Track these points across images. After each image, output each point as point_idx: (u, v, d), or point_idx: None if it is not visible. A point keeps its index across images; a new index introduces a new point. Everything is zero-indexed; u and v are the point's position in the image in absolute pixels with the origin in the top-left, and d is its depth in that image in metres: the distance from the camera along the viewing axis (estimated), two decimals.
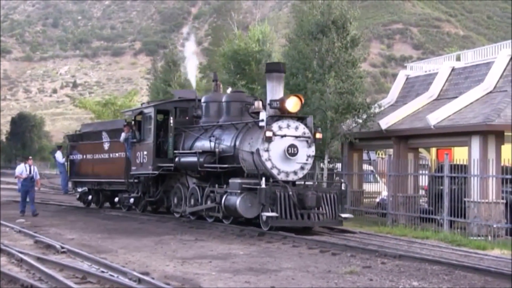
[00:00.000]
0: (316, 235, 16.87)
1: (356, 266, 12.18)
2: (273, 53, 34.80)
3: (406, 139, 22.71)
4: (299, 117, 18.44)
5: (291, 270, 11.87)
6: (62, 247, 13.82)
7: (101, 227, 19.38)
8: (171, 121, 22.18)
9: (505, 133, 19.75)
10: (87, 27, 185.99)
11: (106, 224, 20.60)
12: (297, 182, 18.28)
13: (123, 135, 24.18)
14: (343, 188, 18.29)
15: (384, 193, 23.37)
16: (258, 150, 17.76)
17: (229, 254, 13.83)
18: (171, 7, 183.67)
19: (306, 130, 18.20)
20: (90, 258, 12.45)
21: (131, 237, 16.96)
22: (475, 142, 19.68)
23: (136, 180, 23.59)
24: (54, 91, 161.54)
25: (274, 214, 16.79)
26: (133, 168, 23.56)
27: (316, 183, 19.86)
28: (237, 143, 18.96)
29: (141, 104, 26.08)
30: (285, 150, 17.80)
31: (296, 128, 18.11)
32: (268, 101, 18.29)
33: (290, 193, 17.05)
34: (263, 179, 17.07)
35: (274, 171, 17.75)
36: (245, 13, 61.72)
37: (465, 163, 19.35)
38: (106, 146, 26.39)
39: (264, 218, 17.07)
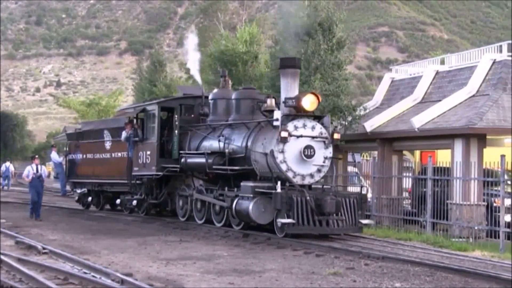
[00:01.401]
0: (301, 237, 16.81)
1: (340, 268, 12.25)
2: (259, 54, 34.87)
3: (391, 142, 22.83)
4: (316, 116, 17.37)
5: (275, 271, 11.91)
6: (44, 248, 13.73)
7: (85, 228, 19.30)
8: (176, 119, 21.02)
9: (487, 137, 19.94)
10: (72, 25, 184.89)
11: (89, 225, 20.52)
12: (314, 186, 17.20)
13: (124, 133, 22.87)
14: (363, 192, 17.38)
15: (369, 195, 23.45)
16: (272, 151, 16.63)
17: (213, 255, 13.84)
18: (157, 7, 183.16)
19: (323, 130, 17.11)
20: (73, 259, 12.39)
21: (115, 238, 16.91)
22: (458, 145, 19.85)
23: (138, 181, 22.33)
24: (37, 90, 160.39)
25: (290, 220, 15.70)
26: (135, 168, 22.34)
27: (335, 187, 18.35)
28: (249, 143, 17.83)
29: (144, 101, 24.74)
30: (301, 152, 16.70)
31: (313, 128, 16.98)
32: (282, 99, 17.17)
33: (308, 198, 15.94)
34: (279, 183, 16.02)
35: (290, 174, 16.66)
36: (231, 14, 61.51)
37: (448, 165, 19.48)
38: (108, 145, 25.13)
39: (279, 224, 16.08)
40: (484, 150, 19.87)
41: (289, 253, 14.35)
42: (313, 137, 16.94)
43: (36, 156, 24.17)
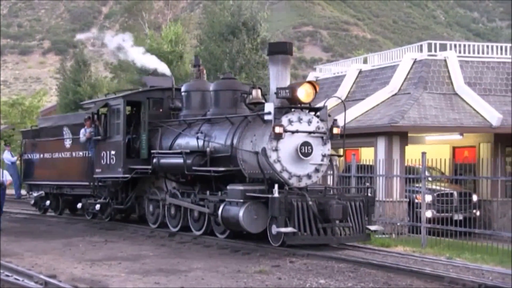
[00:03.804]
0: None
1: (266, 266, 12.34)
2: (185, 54, 34.79)
3: None
4: (311, 109, 15.09)
5: (201, 270, 11.92)
6: None
7: (7, 230, 18.84)
8: (145, 115, 18.83)
9: (409, 134, 20.45)
10: None
11: (12, 226, 20.06)
12: (315, 188, 15.23)
13: (82, 131, 20.70)
14: (370, 194, 15.33)
15: None
16: (264, 149, 14.40)
17: (139, 255, 13.75)
18: (81, 6, 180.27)
19: (321, 125, 15.02)
20: None
21: (38, 239, 16.60)
22: (381, 143, 20.29)
23: (101, 184, 20.12)
24: None
25: (291, 229, 13.69)
26: (98, 170, 19.94)
27: (340, 189, 16.27)
28: (235, 141, 15.52)
29: (105, 95, 22.51)
30: (297, 149, 14.56)
31: (309, 122, 14.85)
32: (273, 89, 14.86)
33: (310, 203, 14.00)
34: (276, 186, 13.95)
35: (285, 175, 14.54)
36: (156, 13, 61.16)
37: (371, 163, 19.88)
38: (68, 143, 22.66)
39: (274, 232, 14.13)
40: (406, 147, 20.36)
41: (215, 252, 14.39)
42: (309, 133, 14.86)
43: None
